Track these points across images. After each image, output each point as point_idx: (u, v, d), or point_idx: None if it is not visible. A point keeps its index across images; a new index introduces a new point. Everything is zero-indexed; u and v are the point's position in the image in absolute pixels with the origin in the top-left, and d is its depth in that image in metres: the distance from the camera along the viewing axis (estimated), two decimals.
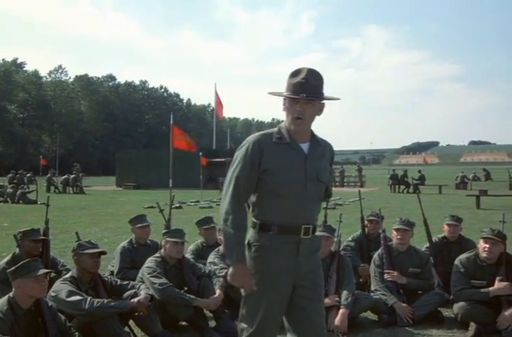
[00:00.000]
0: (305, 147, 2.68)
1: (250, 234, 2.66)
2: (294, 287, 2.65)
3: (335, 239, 4.83)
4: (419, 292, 4.91)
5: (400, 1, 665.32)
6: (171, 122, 10.53)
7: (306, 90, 2.53)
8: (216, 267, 4.78)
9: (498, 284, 4.44)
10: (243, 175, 2.59)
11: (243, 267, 2.56)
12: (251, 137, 2.67)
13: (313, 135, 2.74)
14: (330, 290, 4.60)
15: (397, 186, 27.71)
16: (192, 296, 4.27)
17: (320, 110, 2.66)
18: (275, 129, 2.71)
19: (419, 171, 28.56)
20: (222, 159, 31.83)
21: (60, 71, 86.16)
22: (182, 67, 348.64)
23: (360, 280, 5.49)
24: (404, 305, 4.64)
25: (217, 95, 35.85)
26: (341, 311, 4.39)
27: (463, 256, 4.71)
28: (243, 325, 2.68)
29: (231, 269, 2.57)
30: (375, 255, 5.04)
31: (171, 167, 10.47)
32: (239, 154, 2.65)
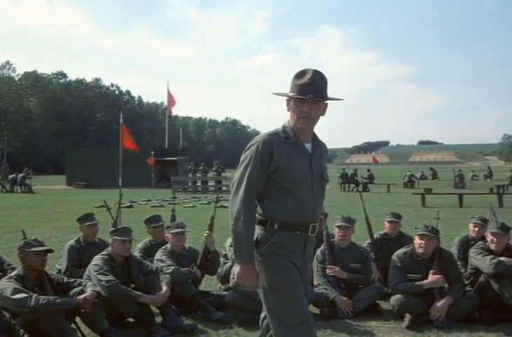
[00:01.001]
0: (308, 146, 2.74)
1: (259, 232, 2.67)
2: None
3: None
4: (360, 286, 5.12)
5: (352, 2, 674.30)
6: (121, 121, 10.50)
7: (313, 91, 2.58)
8: (163, 264, 4.87)
9: (431, 277, 4.70)
10: (254, 174, 2.61)
11: (251, 267, 2.59)
12: (260, 137, 2.70)
13: (314, 135, 2.81)
14: None
15: (347, 185, 28.23)
16: (139, 293, 4.34)
17: (324, 110, 2.72)
18: (280, 129, 2.73)
19: (368, 170, 29.27)
20: (175, 158, 31.80)
21: (8, 67, 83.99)
22: (135, 65, 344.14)
23: None
24: (344, 298, 4.83)
25: (169, 93, 35.71)
26: None
27: (400, 251, 4.95)
28: (274, 318, 2.66)
29: (238, 269, 2.60)
30: (318, 252, 5.22)
31: (121, 166, 10.44)
32: (249, 154, 2.66)
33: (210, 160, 43.02)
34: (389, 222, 5.88)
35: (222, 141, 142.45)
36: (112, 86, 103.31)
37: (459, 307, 4.59)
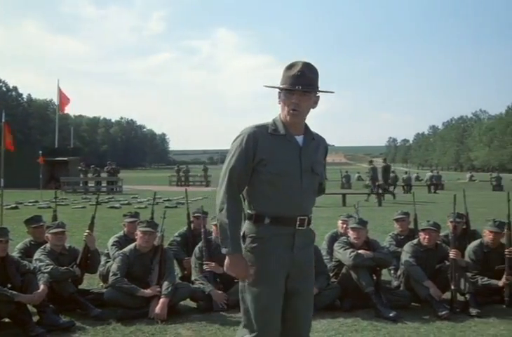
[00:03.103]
0: (299, 139, 2.70)
1: (246, 226, 2.67)
2: (287, 279, 2.66)
3: (159, 234, 5.20)
4: (236, 280, 5.42)
5: (249, 6, 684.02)
6: (3, 120, 10.20)
7: (302, 83, 2.56)
8: (42, 263, 4.90)
9: None
10: (237, 166, 2.60)
11: (238, 257, 2.57)
12: (246, 129, 2.67)
13: (307, 128, 2.76)
14: (152, 281, 4.95)
15: None
16: (14, 292, 4.36)
17: (315, 103, 2.70)
18: (270, 121, 2.71)
19: None
20: (65, 158, 30.87)
21: None
22: (23, 61, 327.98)
23: (185, 272, 5.93)
24: (220, 292, 5.12)
25: (60, 91, 34.61)
26: (161, 300, 4.76)
27: None
28: (245, 317, 2.66)
29: (227, 259, 2.59)
30: (196, 248, 5.48)
31: (2, 165, 10.15)
32: (234, 145, 2.65)
33: (104, 160, 42.07)
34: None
35: (117, 141, 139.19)
36: None
37: (322, 296, 5.00)
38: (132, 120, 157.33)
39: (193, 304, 5.21)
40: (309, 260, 2.76)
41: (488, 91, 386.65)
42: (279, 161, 2.61)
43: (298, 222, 2.65)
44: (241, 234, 2.65)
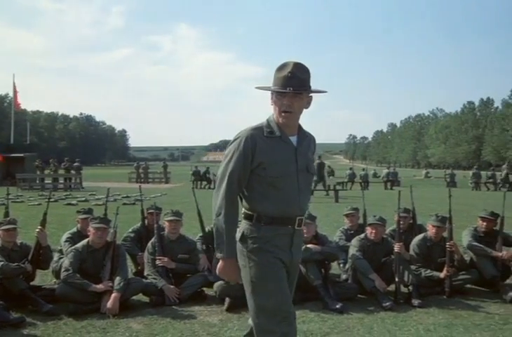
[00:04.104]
0: (293, 139, 2.71)
1: (245, 227, 2.68)
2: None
3: (111, 230, 5.25)
4: (188, 275, 5.53)
5: (209, 2, 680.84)
6: None
7: (293, 84, 2.55)
8: None
9: None
10: (237, 170, 2.61)
11: (231, 263, 2.63)
12: (243, 132, 2.66)
13: (300, 128, 2.77)
14: (105, 276, 5.01)
15: (199, 182, 28.78)
16: None
17: (308, 103, 2.69)
18: (264, 123, 2.71)
19: None
20: (21, 154, 30.24)
21: None
22: None
23: (139, 268, 5.99)
24: (172, 286, 5.20)
25: (14, 85, 33.92)
26: (113, 295, 4.82)
27: None
28: (258, 311, 2.64)
29: (220, 263, 2.64)
30: (149, 244, 5.55)
31: None
32: (231, 149, 2.65)
33: (63, 157, 41.36)
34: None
35: (76, 137, 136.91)
36: None
37: None
38: (91, 116, 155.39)
39: (145, 298, 5.28)
40: (299, 258, 2.85)
41: (445, 89, 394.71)
42: (277, 164, 2.62)
43: (297, 222, 2.69)
44: (240, 234, 2.67)
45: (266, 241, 2.63)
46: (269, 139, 2.64)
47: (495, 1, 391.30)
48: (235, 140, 2.66)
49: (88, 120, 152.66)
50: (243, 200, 2.73)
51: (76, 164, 29.79)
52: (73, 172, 29.15)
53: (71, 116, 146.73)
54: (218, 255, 2.63)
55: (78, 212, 6.11)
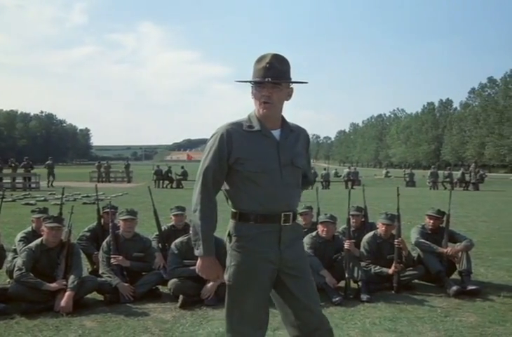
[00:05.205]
0: (276, 133, 2.64)
1: (230, 225, 2.64)
2: (279, 277, 2.63)
3: (66, 229, 5.27)
4: (143, 273, 5.59)
5: (175, 1, 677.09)
6: None
7: (271, 75, 2.50)
8: None
9: None
10: (211, 166, 2.57)
11: (209, 259, 2.57)
12: (220, 127, 2.62)
13: (284, 121, 2.70)
14: (59, 275, 5.03)
15: (161, 181, 28.69)
16: None
17: (288, 95, 2.64)
18: (246, 118, 2.66)
19: (182, 167, 29.95)
20: None
21: None
22: None
23: (95, 267, 6.03)
24: (126, 284, 5.26)
25: None
26: (67, 293, 4.84)
27: (178, 240, 5.50)
28: (230, 314, 2.66)
29: (198, 261, 2.60)
30: (104, 243, 5.60)
31: None
32: (208, 145, 2.62)
33: (22, 156, 40.65)
34: (175, 215, 6.43)
35: (37, 136, 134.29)
36: None
37: (224, 287, 5.25)
38: (52, 114, 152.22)
39: (100, 297, 5.32)
40: (299, 256, 2.71)
41: (406, 90, 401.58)
42: (256, 159, 2.56)
43: (283, 219, 2.60)
44: (226, 233, 2.65)
45: (250, 239, 2.57)
46: (248, 133, 2.59)
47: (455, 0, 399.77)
48: (212, 136, 2.63)
49: (49, 118, 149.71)
50: (227, 198, 2.69)
51: (48, 162, 29.84)
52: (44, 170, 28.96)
53: (32, 114, 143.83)
54: (196, 252, 2.58)
55: (32, 211, 6.11)
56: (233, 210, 2.64)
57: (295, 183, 2.69)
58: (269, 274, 2.61)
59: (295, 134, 2.73)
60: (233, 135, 2.57)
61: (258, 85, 2.56)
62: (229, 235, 2.63)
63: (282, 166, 2.60)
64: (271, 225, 2.59)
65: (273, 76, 2.51)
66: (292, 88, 2.64)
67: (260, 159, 2.57)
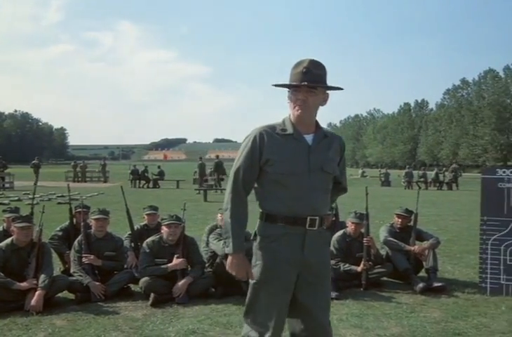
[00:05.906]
0: (309, 138, 2.67)
1: (258, 225, 2.69)
2: (298, 279, 2.64)
3: (37, 228, 5.29)
4: (115, 272, 5.63)
5: (154, 1, 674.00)
6: None
7: (308, 79, 2.54)
8: None
9: (175, 261, 5.38)
10: (243, 166, 2.63)
11: (238, 257, 2.60)
12: (254, 130, 2.67)
13: (318, 126, 2.74)
14: (29, 274, 5.04)
15: (137, 181, 28.57)
16: None
17: (324, 100, 2.68)
18: (280, 121, 2.71)
19: (159, 167, 29.87)
20: None
21: None
22: None
23: (67, 266, 6.04)
24: (97, 283, 5.29)
25: None
26: (37, 292, 4.85)
27: (149, 239, 5.54)
28: (250, 314, 2.68)
29: (229, 258, 2.64)
30: (75, 242, 5.62)
31: None
32: (242, 146, 2.68)
33: None
34: (148, 214, 6.48)
35: (12, 135, 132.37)
36: None
37: (197, 284, 5.34)
38: (27, 113, 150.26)
39: (71, 296, 5.34)
40: (322, 261, 2.71)
41: (383, 91, 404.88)
42: (286, 161, 2.60)
43: (308, 223, 2.61)
44: (253, 232, 2.69)
45: (274, 240, 2.61)
46: (281, 136, 2.64)
47: (432, 1, 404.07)
48: (246, 138, 2.69)
49: (24, 117, 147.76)
50: (257, 199, 2.74)
51: (34, 161, 30.43)
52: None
53: (6, 113, 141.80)
54: (226, 249, 2.65)
55: (4, 211, 6.10)
56: (261, 210, 2.69)
57: (324, 188, 2.71)
58: (291, 276, 2.63)
59: (329, 140, 2.75)
60: (266, 137, 2.62)
61: (294, 89, 2.61)
62: (255, 235, 2.68)
63: (311, 170, 2.62)
64: (296, 228, 2.61)
65: (310, 81, 2.55)
66: (327, 94, 2.69)
67: (289, 161, 2.61)
